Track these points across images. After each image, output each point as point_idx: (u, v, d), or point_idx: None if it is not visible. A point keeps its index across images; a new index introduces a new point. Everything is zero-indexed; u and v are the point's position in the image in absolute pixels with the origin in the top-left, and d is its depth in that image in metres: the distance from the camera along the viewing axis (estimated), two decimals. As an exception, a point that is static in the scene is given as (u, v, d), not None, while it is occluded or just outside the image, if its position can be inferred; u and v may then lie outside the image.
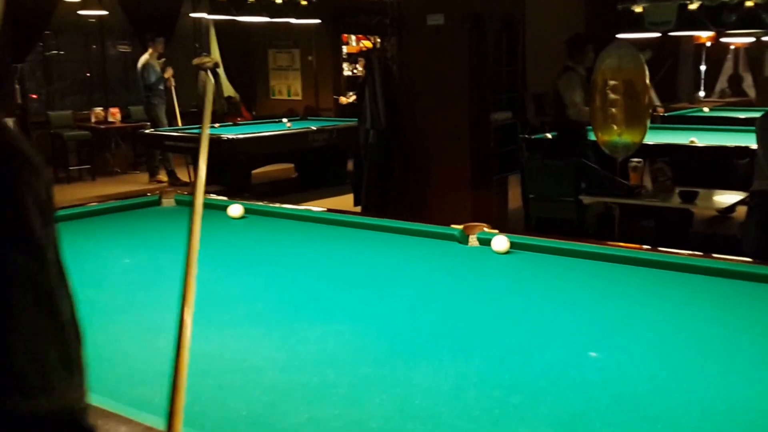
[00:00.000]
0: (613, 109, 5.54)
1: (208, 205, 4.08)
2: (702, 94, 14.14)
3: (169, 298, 2.60)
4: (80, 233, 3.50)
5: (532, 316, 2.39)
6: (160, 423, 1.53)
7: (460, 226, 3.24)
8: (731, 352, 2.05)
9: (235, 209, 3.74)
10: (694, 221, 6.80)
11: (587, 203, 6.12)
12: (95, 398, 1.63)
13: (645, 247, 3.07)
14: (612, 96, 5.62)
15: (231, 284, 2.77)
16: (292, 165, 11.20)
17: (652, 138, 6.57)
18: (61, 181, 11.18)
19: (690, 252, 2.90)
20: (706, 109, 10.52)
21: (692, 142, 6.75)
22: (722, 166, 6.53)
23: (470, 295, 2.62)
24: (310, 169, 10.70)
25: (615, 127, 5.58)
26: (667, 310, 2.41)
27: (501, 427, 1.60)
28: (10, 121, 7.53)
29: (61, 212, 3.79)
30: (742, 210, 6.00)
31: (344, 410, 1.70)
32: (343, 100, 10.57)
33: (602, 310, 2.42)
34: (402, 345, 2.12)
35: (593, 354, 2.03)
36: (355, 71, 14.10)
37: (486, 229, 3.21)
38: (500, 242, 3.03)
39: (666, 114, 8.98)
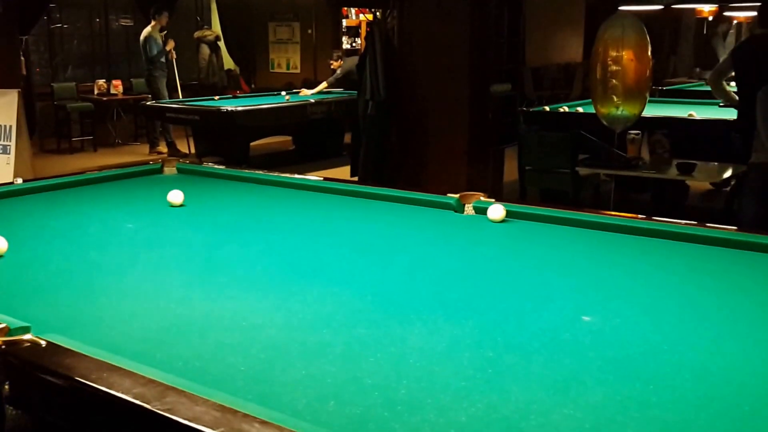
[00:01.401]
0: (614, 81, 5.55)
1: (208, 173, 4.13)
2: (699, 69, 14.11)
3: (170, 260, 2.66)
4: (84, 199, 3.54)
5: (526, 282, 2.42)
6: (160, 376, 1.57)
7: (456, 195, 3.27)
8: (725, 318, 2.08)
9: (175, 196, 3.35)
10: (689, 195, 6.84)
11: (583, 175, 6.15)
12: (100, 354, 1.68)
13: (640, 216, 3.10)
14: (613, 67, 5.62)
15: (231, 248, 2.80)
16: (290, 137, 11.23)
17: (651, 111, 6.59)
18: (63, 151, 11.32)
19: (685, 221, 2.93)
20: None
21: (691, 115, 6.77)
22: (720, 140, 6.56)
23: (465, 261, 2.65)
24: (308, 142, 10.73)
25: (615, 98, 5.59)
26: (662, 277, 2.44)
27: (493, 386, 1.64)
28: (15, 93, 7.58)
29: (66, 179, 3.83)
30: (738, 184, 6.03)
31: (340, 368, 1.73)
32: (334, 64, 10.57)
33: (596, 277, 2.46)
34: (397, 308, 2.15)
35: (586, 318, 2.06)
36: (353, 44, 14.06)
37: (482, 198, 3.24)
38: (496, 210, 3.06)
39: (665, 88, 9.00)
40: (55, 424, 1.74)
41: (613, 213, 3.18)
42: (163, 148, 11.05)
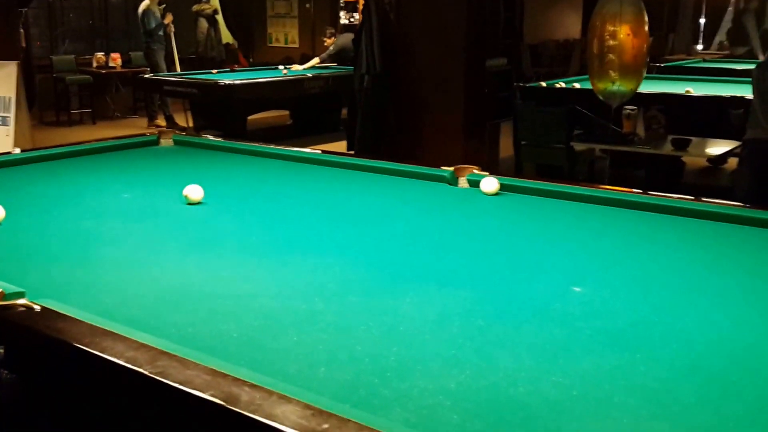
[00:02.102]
0: (611, 55, 5.53)
1: (205, 145, 4.14)
2: (700, 47, 14.07)
3: (165, 230, 2.67)
4: (81, 169, 3.55)
5: (518, 253, 2.43)
6: (152, 341, 1.59)
7: (451, 168, 3.28)
8: (716, 290, 2.09)
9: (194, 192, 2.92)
10: (684, 172, 6.85)
11: (579, 150, 6.16)
12: (94, 319, 1.70)
13: (635, 190, 3.10)
14: (611, 42, 5.61)
15: (226, 219, 2.81)
16: (287, 112, 11.22)
17: (648, 87, 6.58)
18: (62, 124, 11.35)
19: (680, 195, 2.94)
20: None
21: (688, 92, 6.76)
22: (716, 116, 6.56)
23: (458, 233, 2.66)
24: (305, 116, 10.73)
25: (611, 73, 5.58)
26: (655, 250, 2.45)
27: (483, 354, 1.65)
28: (14, 65, 7.55)
29: (63, 149, 3.83)
30: (732, 161, 6.04)
31: (331, 335, 1.75)
32: (327, 41, 10.55)
33: (589, 250, 2.47)
34: (389, 278, 2.16)
35: (577, 289, 2.07)
36: (351, 20, 14.00)
37: (476, 171, 3.25)
38: (489, 183, 3.07)
39: (663, 64, 9.00)
40: (48, 388, 1.76)
41: (607, 186, 3.19)
42: (161, 121, 11.05)
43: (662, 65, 9.19)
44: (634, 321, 1.85)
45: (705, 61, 10.75)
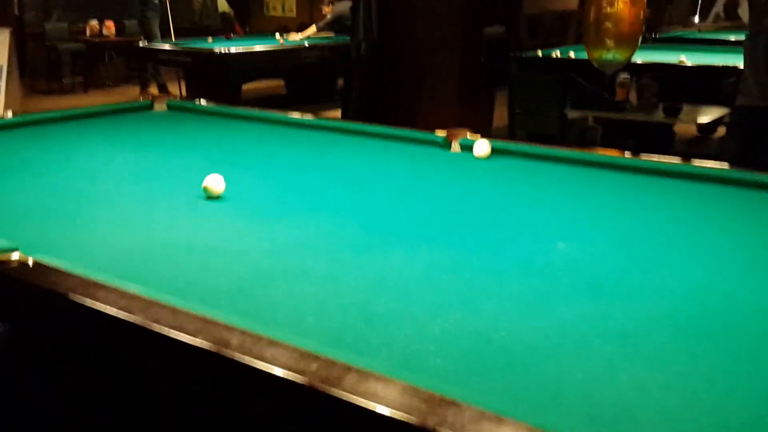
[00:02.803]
0: (607, 23, 5.54)
1: (199, 110, 4.16)
2: (697, 19, 14.03)
3: (157, 191, 2.70)
4: (74, 133, 3.57)
5: (507, 213, 2.47)
6: (145, 292, 1.63)
7: (444, 132, 3.31)
8: (695, 246, 2.14)
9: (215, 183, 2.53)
10: (675, 141, 6.90)
11: (572, 118, 6.20)
12: (89, 272, 1.73)
13: (626, 153, 3.14)
14: (607, 9, 5.62)
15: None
16: (282, 82, 11.20)
17: (643, 56, 6.60)
18: (54, 92, 11.31)
19: (669, 158, 2.98)
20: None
21: (682, 61, 6.77)
22: (708, 85, 6.59)
23: (449, 194, 2.70)
24: (301, 86, 10.71)
25: (607, 41, 5.60)
26: (640, 210, 2.49)
27: (467, 303, 1.70)
28: (6, 32, 7.53)
29: (55, 114, 3.85)
30: (722, 131, 6.09)
31: (320, 288, 1.79)
32: (326, 9, 10.51)
33: (576, 210, 2.50)
34: (380, 235, 2.20)
35: (561, 245, 2.12)
36: (349, -12, 13.92)
37: (468, 135, 3.28)
38: (481, 146, 3.10)
39: (660, 35, 9.01)
40: (41, 338, 1.80)
41: (598, 150, 3.23)
42: (154, 90, 11.03)
43: (658, 36, 9.19)
44: (613, 273, 1.90)
45: (701, 32, 10.75)
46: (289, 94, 11.06)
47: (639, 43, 5.81)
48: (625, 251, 2.08)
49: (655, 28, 10.49)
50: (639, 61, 6.37)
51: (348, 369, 1.30)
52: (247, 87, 9.96)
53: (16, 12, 9.56)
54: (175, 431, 1.58)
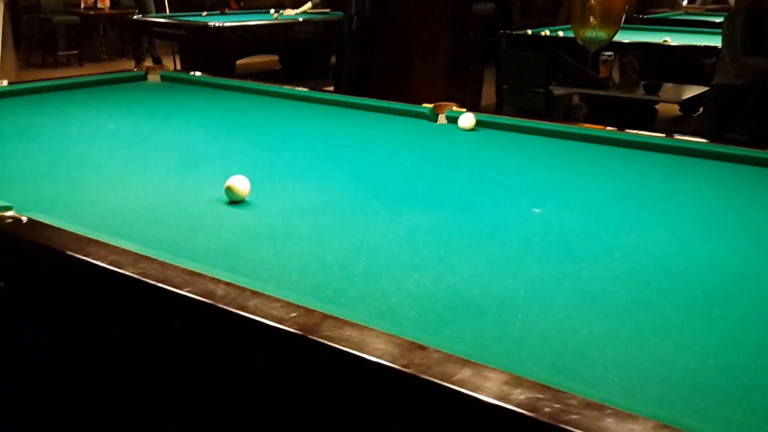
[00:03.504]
0: (592, 1, 5.62)
1: (193, 81, 4.22)
2: (685, 1, 14.08)
3: (149, 156, 2.77)
4: (68, 101, 3.63)
5: (487, 181, 2.55)
6: (135, 249, 1.70)
7: (431, 105, 3.39)
8: (666, 213, 2.23)
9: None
10: (657, 120, 7.02)
11: (557, 95, 6.31)
12: (81, 230, 1.81)
13: (609, 127, 3.22)
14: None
15: (211, 148, 2.91)
16: (276, 57, 11.22)
17: (628, 36, 6.70)
18: (48, 65, 11.30)
19: (647, 132, 3.07)
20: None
21: (665, 41, 6.85)
22: (690, 65, 6.68)
23: (433, 163, 2.78)
24: (295, 61, 10.73)
25: (591, 19, 5.67)
26: (616, 180, 2.58)
27: (444, 263, 1.78)
28: (1, 4, 7.56)
29: (50, 83, 3.91)
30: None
31: (304, 248, 1.87)
32: None
33: (554, 179, 2.59)
34: (364, 200, 2.28)
35: (537, 210, 2.20)
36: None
37: (455, 108, 3.36)
38: (466, 119, 3.18)
39: (646, 16, 9.12)
40: (35, 293, 1.88)
41: (581, 123, 3.31)
42: (149, 63, 11.03)
43: (645, 17, 9.30)
44: (584, 236, 1.99)
45: (688, 14, 10.84)
46: (283, 69, 11.08)
47: (622, 22, 5.90)
48: (596, 217, 2.17)
49: (643, 9, 10.58)
50: (624, 41, 6.46)
51: (325, 317, 1.39)
52: (241, 62, 9.99)
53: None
54: (163, 380, 1.67)
